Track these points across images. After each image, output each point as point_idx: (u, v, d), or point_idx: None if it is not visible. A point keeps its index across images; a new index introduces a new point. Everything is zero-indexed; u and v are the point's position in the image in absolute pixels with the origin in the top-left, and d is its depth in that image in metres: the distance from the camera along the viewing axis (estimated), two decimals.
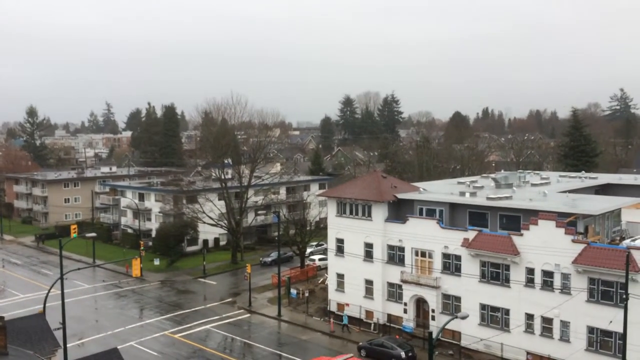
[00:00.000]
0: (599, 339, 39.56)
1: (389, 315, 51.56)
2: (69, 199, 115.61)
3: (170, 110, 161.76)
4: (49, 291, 44.06)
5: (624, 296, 35.68)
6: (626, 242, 40.82)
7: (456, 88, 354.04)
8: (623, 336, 35.61)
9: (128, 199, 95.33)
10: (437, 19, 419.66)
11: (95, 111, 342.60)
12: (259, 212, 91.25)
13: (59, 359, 35.30)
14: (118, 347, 37.23)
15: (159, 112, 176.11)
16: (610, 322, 38.16)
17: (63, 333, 41.21)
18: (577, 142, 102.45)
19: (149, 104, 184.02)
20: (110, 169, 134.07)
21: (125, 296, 66.07)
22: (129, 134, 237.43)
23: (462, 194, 49.99)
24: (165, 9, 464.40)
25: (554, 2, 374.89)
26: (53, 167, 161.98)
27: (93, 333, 53.22)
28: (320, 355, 45.84)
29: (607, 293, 38.83)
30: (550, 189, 52.54)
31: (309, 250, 77.04)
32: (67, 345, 41.75)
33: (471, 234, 45.43)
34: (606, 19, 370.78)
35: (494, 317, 44.91)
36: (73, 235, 61.06)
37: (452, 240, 46.65)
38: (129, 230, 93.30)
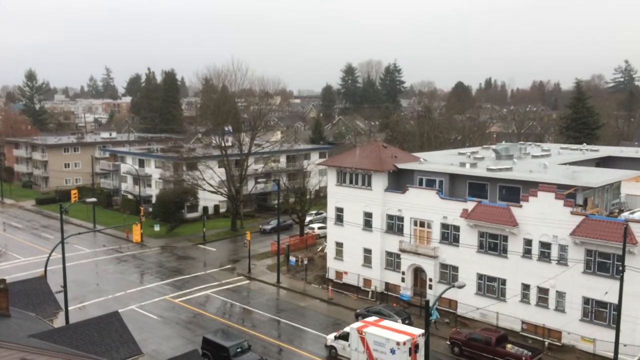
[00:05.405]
0: (593, 309, 40.05)
1: (387, 284, 52.08)
2: (69, 164, 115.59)
3: (170, 76, 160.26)
4: (50, 255, 44.40)
5: (620, 268, 35.95)
6: (625, 215, 40.99)
7: (459, 58, 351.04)
8: (618, 307, 36.05)
9: (128, 165, 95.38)
10: None
11: (95, 76, 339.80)
12: (259, 180, 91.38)
13: (60, 321, 35.75)
14: (119, 310, 37.64)
15: (159, 78, 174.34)
16: (606, 293, 38.60)
17: (64, 296, 41.82)
18: (579, 114, 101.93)
19: (148, 69, 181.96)
20: (110, 134, 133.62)
21: (125, 261, 66.64)
22: (128, 99, 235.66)
23: (462, 164, 49.94)
24: None
25: None
26: (52, 132, 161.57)
27: (94, 296, 53.86)
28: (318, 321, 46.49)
29: (604, 265, 39.17)
30: (550, 161, 52.51)
31: (308, 218, 77.38)
32: (69, 308, 42.43)
33: (470, 205, 45.56)
34: None
35: (490, 286, 45.37)
36: (74, 200, 61.27)
37: (451, 210, 46.80)
38: (129, 196, 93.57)
